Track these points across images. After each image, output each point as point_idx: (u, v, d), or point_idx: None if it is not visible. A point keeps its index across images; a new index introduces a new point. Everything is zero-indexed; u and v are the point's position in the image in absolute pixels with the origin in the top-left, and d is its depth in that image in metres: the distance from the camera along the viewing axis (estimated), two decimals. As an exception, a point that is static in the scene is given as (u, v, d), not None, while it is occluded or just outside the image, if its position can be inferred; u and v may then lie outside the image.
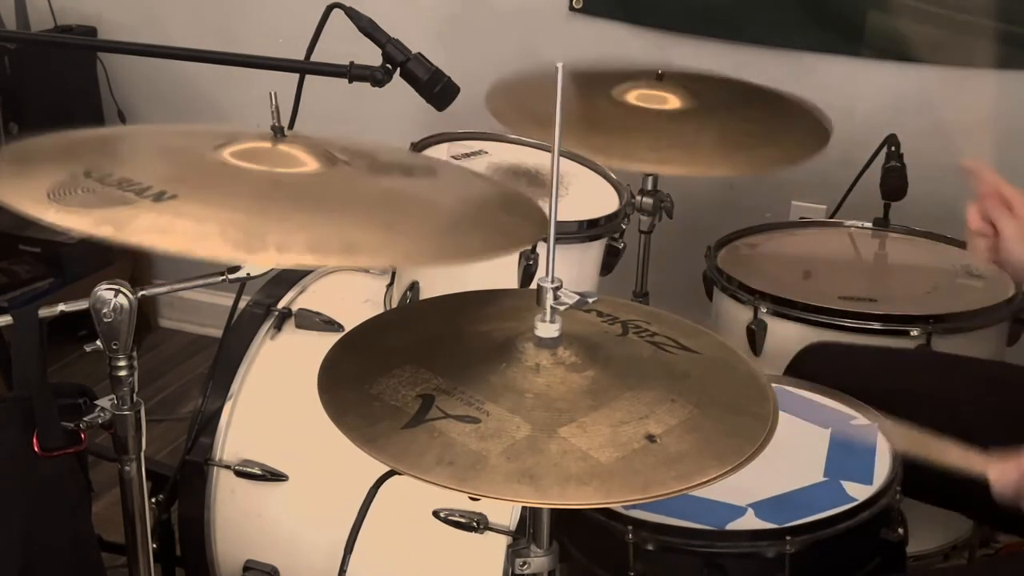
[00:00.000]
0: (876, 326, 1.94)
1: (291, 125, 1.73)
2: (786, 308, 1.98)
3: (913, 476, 1.50)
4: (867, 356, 1.75)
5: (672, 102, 2.01)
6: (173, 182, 1.13)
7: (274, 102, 1.29)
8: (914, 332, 1.92)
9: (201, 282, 1.45)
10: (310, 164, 1.25)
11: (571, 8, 2.76)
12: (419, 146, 2.04)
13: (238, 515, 1.88)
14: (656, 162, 1.94)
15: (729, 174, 1.92)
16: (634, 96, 2.02)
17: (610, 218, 1.88)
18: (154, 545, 1.50)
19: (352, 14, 1.77)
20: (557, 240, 1.16)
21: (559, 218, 1.17)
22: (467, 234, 1.24)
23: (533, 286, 1.19)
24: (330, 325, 1.91)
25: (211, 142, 1.25)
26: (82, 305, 1.35)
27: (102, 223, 1.06)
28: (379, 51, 1.75)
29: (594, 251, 1.90)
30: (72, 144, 1.29)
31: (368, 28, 1.76)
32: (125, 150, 1.31)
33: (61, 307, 1.41)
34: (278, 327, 1.94)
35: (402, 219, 1.21)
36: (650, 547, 1.42)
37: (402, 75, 1.75)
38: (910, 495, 1.52)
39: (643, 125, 1.97)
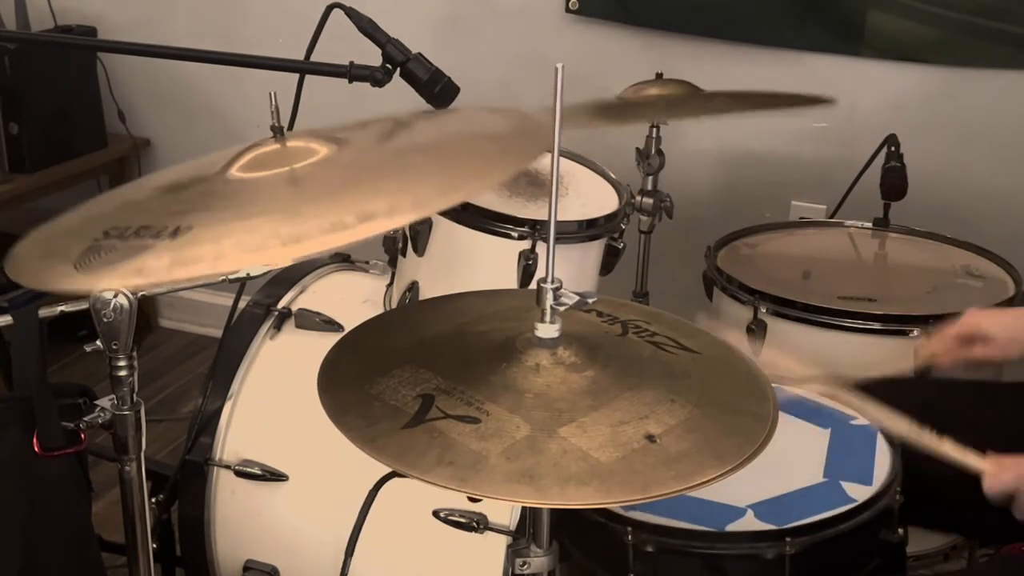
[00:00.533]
0: (876, 326, 1.94)
1: (291, 125, 1.74)
2: (786, 308, 1.98)
3: (911, 502, 1.50)
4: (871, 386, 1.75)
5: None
6: (187, 215, 1.14)
7: (274, 102, 1.29)
8: (914, 332, 1.92)
9: (201, 282, 1.45)
10: (320, 151, 1.25)
11: (567, 10, 2.76)
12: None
13: (238, 515, 1.88)
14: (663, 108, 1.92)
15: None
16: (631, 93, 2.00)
17: (610, 218, 1.88)
18: (154, 545, 1.49)
19: (352, 14, 1.77)
20: (557, 240, 1.16)
21: (559, 218, 1.17)
22: (476, 164, 1.23)
23: (533, 286, 1.19)
24: (330, 325, 1.91)
25: (216, 165, 1.26)
26: (82, 305, 1.35)
27: (129, 276, 1.09)
28: (379, 51, 1.75)
29: (594, 251, 1.90)
30: (89, 213, 1.31)
31: (368, 28, 1.76)
32: (138, 200, 1.32)
33: (61, 307, 1.41)
34: (278, 327, 1.94)
35: (416, 173, 1.22)
36: (650, 548, 1.42)
37: (402, 75, 1.75)
38: (910, 522, 1.52)
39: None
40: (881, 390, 1.69)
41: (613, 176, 2.01)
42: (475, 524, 1.69)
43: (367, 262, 2.14)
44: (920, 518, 1.61)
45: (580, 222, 1.84)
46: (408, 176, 1.20)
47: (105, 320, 1.31)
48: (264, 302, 1.97)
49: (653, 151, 2.30)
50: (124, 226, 1.16)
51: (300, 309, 1.94)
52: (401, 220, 1.10)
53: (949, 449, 1.40)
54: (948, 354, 1.67)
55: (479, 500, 1.32)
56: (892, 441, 1.59)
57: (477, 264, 1.82)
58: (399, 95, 1.79)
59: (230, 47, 1.88)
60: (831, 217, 2.49)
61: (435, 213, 1.74)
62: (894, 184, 2.28)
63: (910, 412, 1.52)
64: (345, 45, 1.74)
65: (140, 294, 1.34)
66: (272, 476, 1.84)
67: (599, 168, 2.03)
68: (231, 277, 1.43)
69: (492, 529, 1.69)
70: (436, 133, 1.42)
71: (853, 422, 1.66)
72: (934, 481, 1.57)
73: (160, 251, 1.09)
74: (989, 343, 1.63)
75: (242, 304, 1.97)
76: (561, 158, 1.15)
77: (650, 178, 2.32)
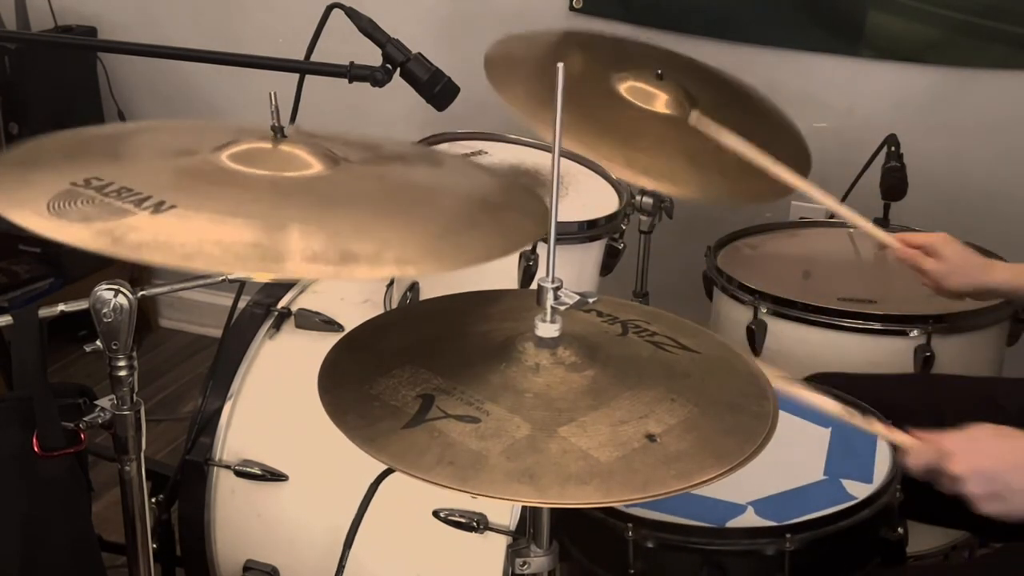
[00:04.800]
0: (876, 326, 1.94)
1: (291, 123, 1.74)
2: (786, 308, 1.98)
3: (912, 497, 1.51)
4: (868, 383, 1.76)
5: (666, 105, 1.92)
6: (172, 191, 1.13)
7: (274, 102, 1.29)
8: (914, 332, 1.92)
9: (201, 282, 1.45)
10: (313, 166, 1.24)
11: (571, 8, 2.77)
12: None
13: (238, 515, 1.88)
14: (628, 167, 1.83)
15: (701, 199, 1.87)
16: (629, 89, 1.95)
17: (610, 218, 1.88)
18: (154, 545, 1.49)
19: (352, 14, 1.77)
20: (557, 240, 1.16)
21: (559, 218, 1.17)
22: (470, 235, 1.24)
23: (533, 286, 1.19)
24: (330, 325, 1.91)
25: (211, 143, 1.25)
26: (82, 305, 1.35)
27: (100, 235, 1.06)
28: (379, 51, 1.75)
29: (594, 251, 1.90)
30: (74, 146, 1.28)
31: (368, 28, 1.76)
32: (126, 153, 1.30)
33: (61, 307, 1.41)
34: (278, 327, 1.94)
35: (407, 223, 1.21)
36: (650, 545, 1.42)
37: (402, 75, 1.75)
38: (910, 516, 1.52)
39: (630, 125, 1.90)
40: (881, 388, 1.70)
41: (613, 176, 2.01)
42: (475, 524, 1.69)
43: (367, 262, 2.14)
44: (921, 513, 1.62)
45: (580, 222, 1.84)
46: (396, 225, 1.19)
47: (105, 320, 1.31)
48: (264, 302, 1.97)
49: (653, 151, 2.29)
50: (106, 180, 1.14)
51: (300, 309, 1.94)
52: (382, 272, 1.10)
53: (878, 428, 1.45)
54: (907, 252, 1.81)
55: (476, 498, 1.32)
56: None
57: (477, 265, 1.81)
58: (399, 95, 1.79)
59: (230, 47, 1.89)
60: (831, 217, 2.49)
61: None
62: (894, 184, 2.28)
63: (910, 410, 1.52)
64: (345, 45, 1.74)
65: (140, 294, 1.34)
66: (272, 476, 1.84)
67: (599, 168, 2.03)
68: (231, 277, 1.43)
69: (492, 529, 1.69)
70: (432, 181, 1.40)
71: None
72: None
73: (138, 222, 1.07)
74: (939, 260, 1.78)
75: (242, 304, 1.97)
76: (561, 158, 1.15)
77: (650, 178, 2.31)
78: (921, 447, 1.40)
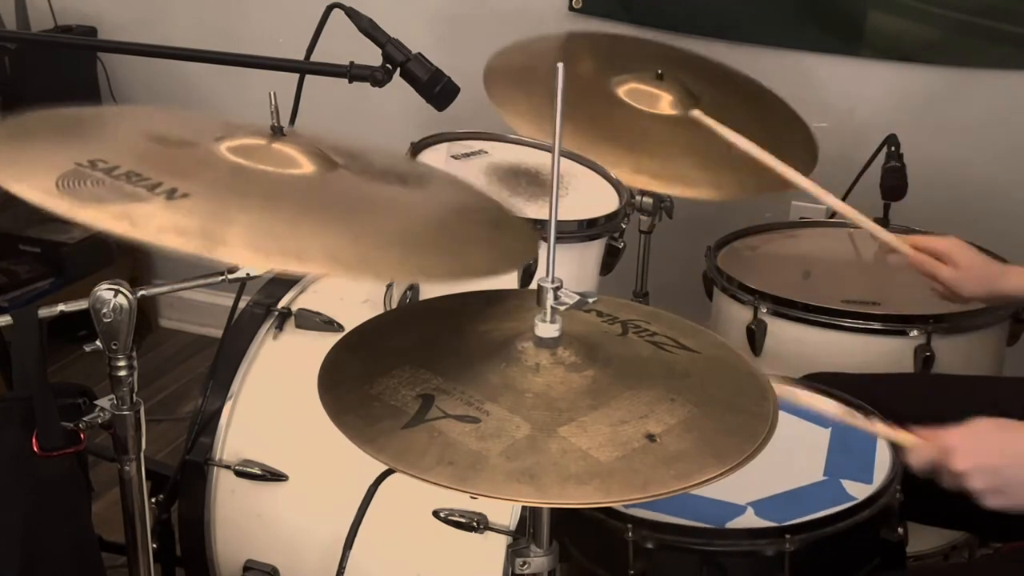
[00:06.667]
0: (876, 326, 1.94)
1: (291, 125, 1.73)
2: (786, 308, 1.98)
3: (912, 497, 1.51)
4: (867, 383, 1.76)
5: (668, 105, 1.91)
6: (181, 179, 1.12)
7: (274, 102, 1.29)
8: (914, 332, 1.92)
9: (201, 282, 1.45)
10: (306, 167, 1.24)
11: (571, 8, 2.77)
12: (419, 146, 2.04)
13: (238, 515, 1.88)
14: (636, 172, 1.84)
15: (714, 198, 1.85)
16: (630, 92, 1.96)
17: (610, 218, 1.88)
18: (154, 545, 1.49)
19: (352, 14, 1.77)
20: (557, 240, 1.16)
21: (559, 218, 1.17)
22: (462, 252, 1.24)
23: (533, 286, 1.19)
24: (330, 325, 1.91)
25: (209, 134, 1.25)
26: (82, 305, 1.35)
27: (119, 218, 1.04)
28: (379, 51, 1.75)
29: (594, 251, 1.90)
30: (64, 125, 1.26)
31: (368, 28, 1.76)
32: (125, 136, 1.28)
33: (61, 307, 1.41)
34: (278, 327, 1.94)
35: (406, 234, 1.21)
36: (650, 545, 1.42)
37: (402, 75, 1.75)
38: (910, 518, 1.53)
39: (633, 128, 1.89)
40: (881, 388, 1.70)
41: (613, 176, 2.01)
42: (475, 524, 1.69)
43: (367, 262, 2.14)
44: (921, 514, 1.62)
45: (580, 222, 1.84)
46: (385, 237, 1.19)
47: (105, 320, 1.31)
48: (264, 302, 1.97)
49: (653, 151, 2.29)
50: (112, 163, 1.12)
51: (300, 309, 1.94)
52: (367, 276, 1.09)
53: (880, 428, 1.45)
54: (919, 257, 1.78)
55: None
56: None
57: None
58: (399, 95, 1.79)
59: (230, 47, 1.89)
60: (831, 217, 2.49)
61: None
62: (894, 184, 2.29)
63: (910, 411, 1.52)
64: (345, 45, 1.74)
65: (140, 294, 1.34)
66: (272, 476, 1.84)
67: (599, 168, 2.03)
68: (231, 277, 1.43)
69: (492, 529, 1.69)
70: (423, 199, 1.40)
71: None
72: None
73: (154, 208, 1.06)
74: (952, 267, 1.75)
75: (242, 304, 1.97)
76: (561, 158, 1.15)
77: (650, 178, 2.31)
78: (923, 445, 1.40)
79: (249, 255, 1.06)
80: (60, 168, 1.10)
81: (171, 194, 1.08)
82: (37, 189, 1.07)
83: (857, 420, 1.46)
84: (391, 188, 1.35)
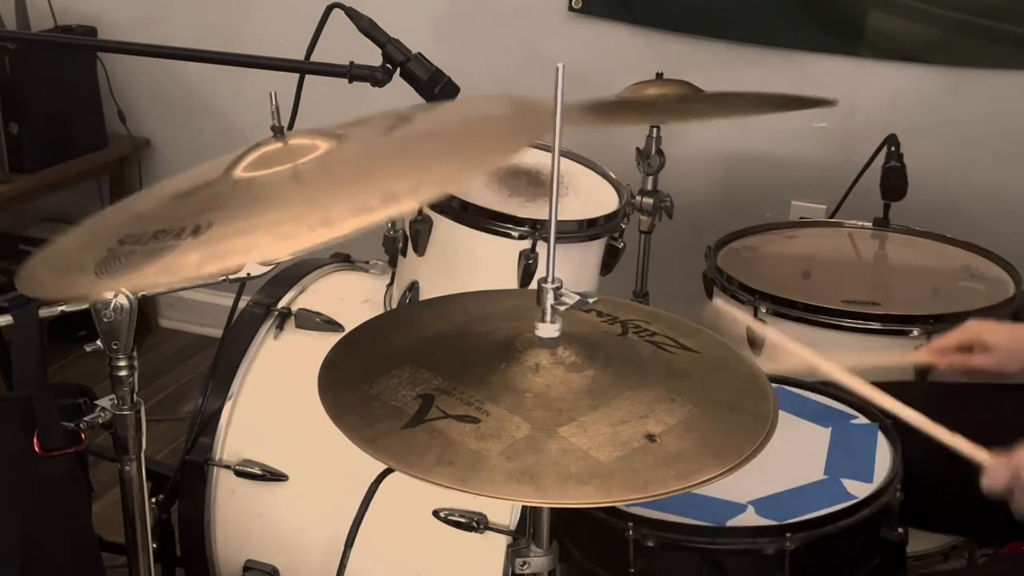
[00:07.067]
0: (876, 326, 1.94)
1: (291, 125, 1.74)
2: (786, 308, 1.98)
3: (911, 503, 1.51)
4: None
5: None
6: (201, 215, 1.14)
7: (274, 102, 1.29)
8: (914, 332, 1.92)
9: (201, 282, 1.45)
10: (321, 146, 1.25)
11: (570, 8, 2.77)
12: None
13: (238, 515, 1.89)
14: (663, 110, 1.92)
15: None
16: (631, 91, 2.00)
17: (610, 218, 1.88)
18: (154, 545, 1.49)
19: (352, 14, 1.77)
20: (557, 240, 1.16)
21: (559, 218, 1.17)
22: (473, 146, 1.24)
23: (533, 286, 1.19)
24: (330, 325, 1.91)
25: (218, 169, 1.26)
26: (82, 305, 1.35)
27: (156, 275, 1.07)
28: (379, 51, 1.75)
29: (594, 251, 1.90)
30: (95, 228, 1.30)
31: (368, 28, 1.76)
32: (144, 210, 1.31)
33: (61, 307, 1.41)
34: (278, 327, 1.94)
35: (428, 156, 1.22)
36: (650, 544, 1.42)
37: (402, 75, 1.75)
38: (909, 523, 1.52)
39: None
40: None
41: (613, 176, 2.01)
42: (475, 524, 1.69)
43: (367, 262, 2.14)
44: (920, 519, 1.62)
45: (580, 222, 1.84)
46: (420, 159, 1.20)
47: (105, 320, 1.31)
48: (264, 302, 1.97)
49: (653, 151, 2.30)
50: (138, 233, 1.15)
51: (300, 309, 1.94)
52: (424, 197, 1.10)
53: (959, 441, 1.42)
54: (947, 360, 1.69)
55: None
56: (893, 439, 1.60)
57: (477, 264, 1.82)
58: (399, 95, 1.79)
59: (230, 47, 1.89)
60: (831, 217, 2.49)
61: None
62: (894, 184, 2.29)
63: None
64: (345, 45, 1.74)
65: (140, 294, 1.34)
66: (272, 476, 1.84)
67: (599, 168, 2.03)
68: (231, 277, 1.43)
69: (492, 529, 1.69)
70: (436, 121, 1.42)
71: (853, 421, 1.66)
72: (934, 482, 1.57)
73: (186, 249, 1.08)
74: (989, 353, 1.65)
75: (242, 304, 1.97)
76: (561, 158, 1.15)
77: (650, 178, 2.31)
78: (1001, 464, 1.38)
79: (274, 242, 1.07)
80: (95, 259, 1.14)
81: (196, 231, 1.10)
82: (79, 284, 1.14)
83: (939, 431, 1.43)
84: (401, 128, 1.37)
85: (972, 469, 1.41)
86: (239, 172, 1.24)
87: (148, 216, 1.25)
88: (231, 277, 1.43)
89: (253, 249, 1.06)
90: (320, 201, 1.14)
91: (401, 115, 1.41)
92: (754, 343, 1.89)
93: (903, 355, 1.85)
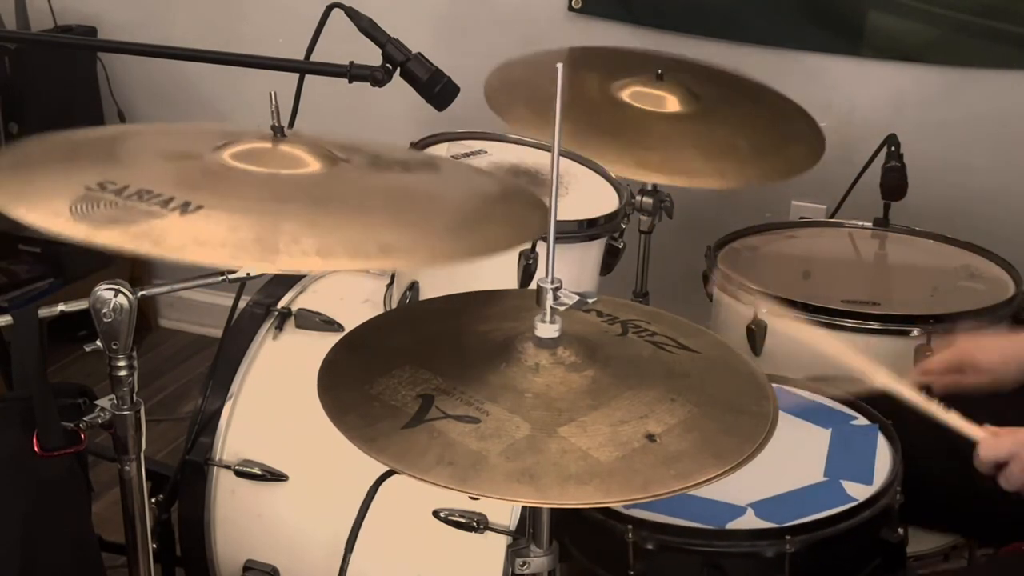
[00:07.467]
0: (876, 326, 1.93)
1: (291, 125, 1.73)
2: (786, 308, 1.97)
3: (911, 502, 1.51)
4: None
5: (670, 104, 1.98)
6: (192, 191, 1.12)
7: (274, 102, 1.29)
8: (914, 332, 1.91)
9: (201, 282, 1.45)
10: (312, 164, 1.24)
11: (570, 8, 2.76)
12: (419, 146, 2.04)
13: (238, 515, 1.88)
14: (639, 167, 1.89)
15: (719, 186, 1.91)
16: (632, 94, 1.99)
17: (610, 218, 1.88)
18: (154, 545, 1.49)
19: (352, 14, 1.77)
20: (557, 240, 1.16)
21: (559, 218, 1.17)
22: (477, 230, 1.24)
23: (533, 286, 1.19)
24: (330, 325, 1.91)
25: (209, 144, 1.25)
26: (82, 305, 1.35)
27: (138, 238, 1.05)
28: (379, 51, 1.75)
29: (594, 251, 1.90)
30: (67, 150, 1.27)
31: (368, 28, 1.76)
32: (127, 156, 1.29)
33: (61, 307, 1.41)
34: (278, 327, 1.94)
35: (416, 219, 1.21)
36: (650, 546, 1.42)
37: (402, 75, 1.75)
38: (909, 522, 1.52)
39: (637, 127, 1.95)
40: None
41: (613, 176, 2.01)
42: (475, 524, 1.69)
43: (367, 262, 2.14)
44: (919, 518, 1.62)
45: (580, 222, 1.84)
46: (414, 220, 1.20)
47: (105, 320, 1.31)
48: (264, 302, 1.97)
49: (653, 151, 2.29)
50: (121, 183, 1.11)
51: (300, 309, 1.94)
52: (419, 263, 1.07)
53: (953, 418, 1.42)
54: (940, 380, 1.66)
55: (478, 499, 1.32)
56: (893, 440, 1.60)
57: (477, 264, 1.81)
58: (399, 95, 1.79)
59: (230, 47, 1.88)
60: (831, 217, 2.49)
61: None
62: (894, 184, 2.28)
63: (910, 412, 1.52)
64: (345, 45, 1.73)
65: (140, 294, 1.34)
66: (272, 476, 1.84)
67: (599, 168, 2.03)
68: (231, 277, 1.43)
69: (492, 529, 1.69)
70: (435, 183, 1.41)
71: (853, 422, 1.66)
72: (934, 481, 1.57)
73: (171, 223, 1.06)
74: (980, 373, 1.64)
75: (242, 304, 1.97)
76: (561, 158, 1.15)
77: (650, 178, 2.31)
78: (994, 440, 1.39)
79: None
80: (71, 194, 1.10)
81: (184, 208, 1.08)
82: (52, 217, 1.07)
83: (932, 406, 1.44)
84: (397, 176, 1.36)
85: (972, 469, 1.41)
86: (227, 157, 1.22)
87: (131, 166, 1.22)
88: (231, 277, 1.43)
89: (239, 251, 1.05)
90: (318, 226, 1.12)
91: (399, 159, 1.40)
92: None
93: (904, 358, 1.86)
